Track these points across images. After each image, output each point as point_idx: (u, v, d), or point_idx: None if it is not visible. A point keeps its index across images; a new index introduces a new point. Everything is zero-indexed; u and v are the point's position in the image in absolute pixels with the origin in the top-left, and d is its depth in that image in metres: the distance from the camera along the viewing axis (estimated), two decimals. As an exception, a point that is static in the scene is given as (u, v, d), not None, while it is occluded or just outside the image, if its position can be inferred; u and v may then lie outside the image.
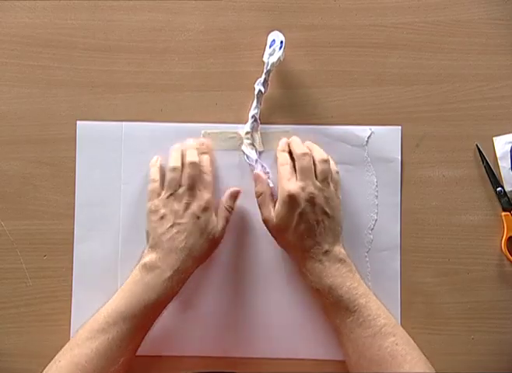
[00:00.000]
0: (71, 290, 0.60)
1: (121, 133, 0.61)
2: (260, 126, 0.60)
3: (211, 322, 0.60)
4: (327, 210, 0.55)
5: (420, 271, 0.61)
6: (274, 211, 0.56)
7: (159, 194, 0.57)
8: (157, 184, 0.57)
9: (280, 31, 0.60)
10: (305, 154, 0.55)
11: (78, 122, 0.61)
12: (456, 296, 0.61)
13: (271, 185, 0.58)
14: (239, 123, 0.61)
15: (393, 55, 0.62)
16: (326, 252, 0.54)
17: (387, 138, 0.61)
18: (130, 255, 0.60)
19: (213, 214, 0.56)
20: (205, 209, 0.55)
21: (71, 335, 0.59)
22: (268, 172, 0.60)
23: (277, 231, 0.56)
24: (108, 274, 0.60)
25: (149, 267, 0.53)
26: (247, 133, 0.60)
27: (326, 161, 0.56)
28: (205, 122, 0.61)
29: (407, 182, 0.61)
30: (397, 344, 0.51)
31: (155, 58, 0.62)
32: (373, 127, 0.61)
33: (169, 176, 0.56)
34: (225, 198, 0.58)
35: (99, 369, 0.50)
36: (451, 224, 0.61)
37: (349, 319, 0.52)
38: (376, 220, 0.61)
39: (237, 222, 0.61)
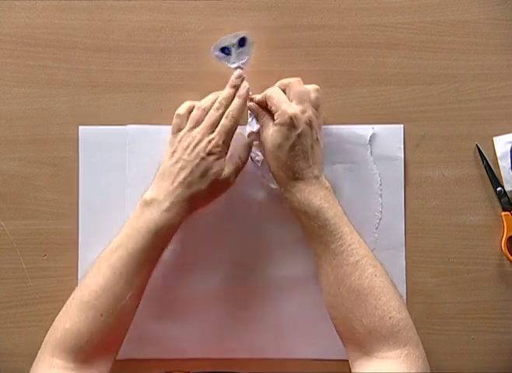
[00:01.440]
0: (72, 290, 0.60)
1: (126, 136, 0.61)
2: None
3: (212, 323, 0.60)
4: (318, 137, 0.55)
5: (420, 271, 0.61)
6: (272, 131, 0.55)
7: (180, 129, 0.57)
8: (179, 120, 0.57)
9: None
10: (298, 80, 0.56)
11: (80, 127, 0.61)
12: (456, 296, 0.61)
13: (275, 187, 0.58)
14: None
15: (393, 55, 0.62)
16: (315, 177, 0.54)
17: (389, 137, 0.61)
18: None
19: (220, 161, 0.55)
20: (211, 153, 0.55)
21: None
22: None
23: (272, 151, 0.55)
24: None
25: (149, 201, 0.54)
26: (251, 133, 0.59)
27: (317, 89, 0.57)
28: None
29: (407, 182, 0.61)
30: (376, 276, 0.51)
31: (155, 58, 0.62)
32: (376, 126, 0.61)
33: (193, 112, 0.57)
34: (242, 148, 0.58)
35: (107, 305, 0.50)
36: (451, 224, 0.61)
37: (333, 245, 0.52)
38: (380, 219, 0.61)
39: (240, 220, 0.61)
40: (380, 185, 0.61)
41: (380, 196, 0.61)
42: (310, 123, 0.54)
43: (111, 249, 0.53)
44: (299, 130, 0.53)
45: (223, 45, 0.59)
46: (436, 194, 0.61)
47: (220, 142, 0.55)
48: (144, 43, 0.62)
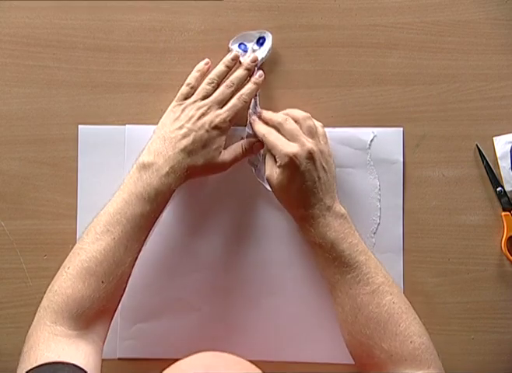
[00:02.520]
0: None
1: (124, 136, 0.61)
2: None
3: (216, 324, 0.60)
4: (324, 165, 0.55)
5: (420, 271, 0.61)
6: (276, 173, 0.55)
7: (186, 98, 0.57)
8: (188, 88, 0.58)
9: (269, 31, 0.60)
10: (286, 119, 0.56)
11: (79, 126, 0.61)
12: (456, 296, 0.61)
13: (268, 188, 0.58)
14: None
15: (393, 55, 0.62)
16: (328, 208, 0.54)
17: (389, 140, 0.61)
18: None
19: (222, 138, 0.56)
20: (216, 127, 0.55)
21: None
22: None
23: (280, 191, 0.56)
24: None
25: (147, 166, 0.53)
26: (249, 135, 0.59)
27: (308, 117, 0.56)
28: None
29: (407, 182, 0.61)
30: (394, 303, 0.51)
31: (155, 58, 0.62)
32: (376, 130, 0.61)
33: (203, 85, 0.57)
34: (246, 141, 0.58)
35: (108, 272, 0.50)
36: (451, 224, 0.61)
37: (349, 275, 0.52)
38: (378, 223, 0.61)
39: (243, 218, 0.61)
40: (379, 190, 0.61)
41: (379, 200, 0.61)
42: (311, 157, 0.54)
43: (109, 214, 0.52)
44: (302, 168, 0.53)
45: (242, 40, 0.60)
46: (436, 194, 0.61)
47: (228, 119, 0.56)
48: (144, 43, 0.62)
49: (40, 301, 0.60)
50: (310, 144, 0.54)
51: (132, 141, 0.61)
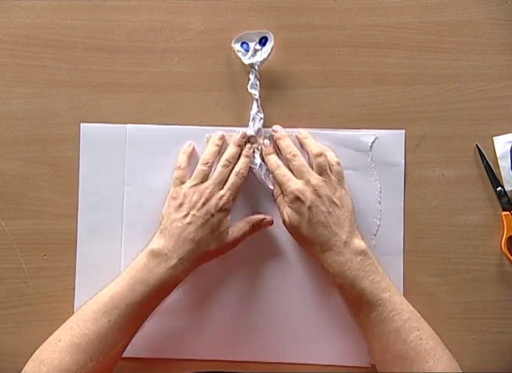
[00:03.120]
0: (72, 290, 0.60)
1: (125, 135, 0.61)
2: (263, 130, 0.60)
3: (221, 324, 0.60)
4: (335, 200, 0.55)
5: (420, 271, 0.61)
6: (286, 213, 0.56)
7: (182, 182, 0.57)
8: (182, 172, 0.58)
9: (270, 31, 0.60)
10: (294, 155, 0.57)
11: (82, 124, 0.61)
12: (456, 296, 0.61)
13: (271, 187, 0.59)
14: (239, 123, 0.61)
15: (393, 55, 0.62)
16: (346, 244, 0.54)
17: (390, 142, 0.61)
18: (133, 257, 0.60)
19: (228, 218, 0.56)
20: (221, 209, 0.55)
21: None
22: (271, 174, 0.59)
23: (293, 229, 0.56)
24: (111, 277, 0.60)
25: (155, 254, 0.53)
26: (251, 136, 0.60)
27: (320, 154, 0.57)
28: (205, 122, 0.61)
29: (407, 182, 0.61)
30: (421, 339, 0.50)
31: (155, 58, 0.62)
32: (377, 132, 0.61)
33: (199, 167, 0.57)
34: (254, 218, 0.58)
35: (99, 352, 0.50)
36: (451, 224, 0.61)
37: (373, 314, 0.52)
38: (379, 225, 0.60)
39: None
40: (380, 192, 0.61)
41: (379, 203, 0.61)
42: (317, 192, 0.54)
43: (109, 295, 0.52)
44: (308, 203, 0.54)
45: (244, 39, 0.60)
46: (436, 194, 0.61)
47: (231, 198, 0.56)
48: (144, 43, 0.62)
49: (40, 302, 0.61)
50: (315, 180, 0.55)
51: (133, 141, 0.61)
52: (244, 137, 0.59)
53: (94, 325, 0.50)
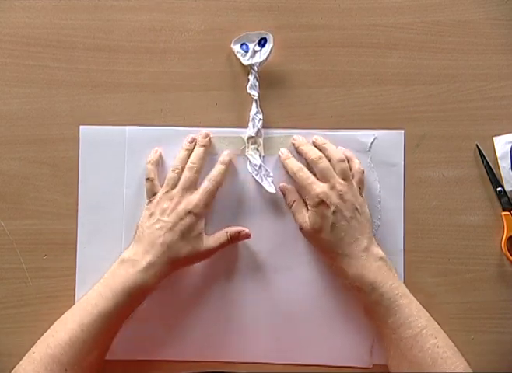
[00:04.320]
0: (72, 290, 0.60)
1: (125, 137, 0.61)
2: (263, 130, 0.60)
3: (212, 326, 0.60)
4: (358, 206, 0.55)
5: (420, 271, 0.61)
6: (307, 217, 0.56)
7: (154, 192, 0.57)
8: (151, 183, 0.58)
9: (270, 31, 0.60)
10: (320, 157, 0.56)
11: (81, 126, 0.61)
12: (456, 296, 0.61)
13: (273, 191, 0.58)
14: (239, 123, 0.61)
15: (393, 55, 0.62)
16: (366, 249, 0.54)
17: (390, 142, 0.61)
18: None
19: (200, 223, 0.56)
20: (190, 212, 0.55)
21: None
22: (271, 177, 0.60)
23: (313, 234, 0.56)
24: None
25: (126, 260, 0.54)
26: (250, 137, 0.60)
27: (343, 160, 0.57)
28: (205, 122, 0.61)
29: (407, 182, 0.61)
30: (438, 347, 0.50)
31: (155, 58, 0.62)
32: (376, 132, 0.61)
33: (169, 174, 0.57)
34: (233, 229, 0.58)
35: (73, 360, 0.50)
36: (451, 224, 0.61)
37: (390, 320, 0.52)
38: (379, 225, 0.60)
39: (242, 223, 0.60)
40: (380, 192, 0.61)
41: (379, 203, 0.61)
42: (342, 197, 0.54)
43: (83, 307, 0.53)
44: (333, 207, 0.54)
45: (243, 40, 0.60)
46: (436, 194, 0.61)
47: (201, 203, 0.55)
48: (144, 43, 0.62)
49: (40, 302, 0.61)
50: (341, 185, 0.55)
51: (133, 143, 0.61)
52: (207, 137, 0.59)
53: (67, 335, 0.51)
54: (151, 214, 0.56)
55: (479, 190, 0.61)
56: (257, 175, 0.59)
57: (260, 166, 0.59)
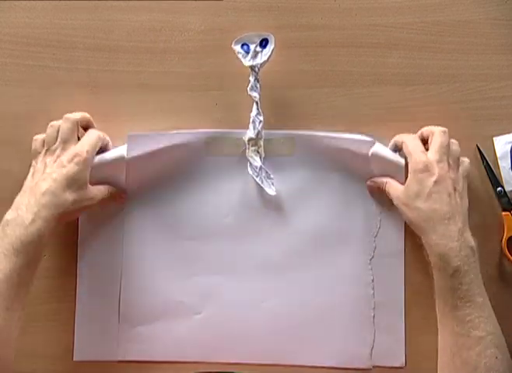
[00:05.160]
0: (73, 290, 0.60)
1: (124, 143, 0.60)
2: (263, 132, 0.60)
3: (217, 327, 0.60)
4: (458, 188, 0.53)
5: (420, 271, 0.61)
6: (404, 185, 0.54)
7: (38, 152, 0.56)
8: (36, 143, 0.56)
9: (270, 31, 0.60)
10: (444, 131, 0.55)
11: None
12: (456, 296, 0.61)
13: (273, 193, 0.58)
14: (239, 123, 0.61)
15: (393, 55, 0.62)
16: (459, 231, 0.51)
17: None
18: (134, 256, 0.60)
19: (85, 170, 0.53)
20: (72, 159, 0.53)
21: (71, 334, 0.59)
22: (271, 179, 0.59)
23: (408, 202, 0.53)
24: (111, 276, 0.60)
25: (10, 220, 0.51)
26: (251, 139, 0.59)
27: (456, 144, 0.56)
28: (205, 122, 0.61)
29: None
30: (496, 358, 0.49)
31: (155, 58, 0.62)
32: (377, 137, 0.59)
33: (46, 132, 0.56)
34: (115, 190, 0.58)
35: None
36: (451, 224, 0.61)
37: (460, 312, 0.50)
38: (379, 227, 0.60)
39: (245, 221, 0.60)
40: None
41: (380, 203, 0.60)
42: (445, 173, 0.52)
43: None
44: (435, 176, 0.52)
45: (244, 41, 0.59)
46: (436, 194, 0.61)
47: (84, 151, 0.54)
48: (144, 43, 0.62)
49: (40, 302, 0.61)
50: (447, 163, 0.53)
51: (133, 149, 0.58)
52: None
53: None
54: (34, 173, 0.54)
55: (479, 190, 0.61)
56: (257, 177, 0.59)
57: (260, 168, 0.59)
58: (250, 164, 0.59)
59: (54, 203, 0.51)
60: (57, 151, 0.54)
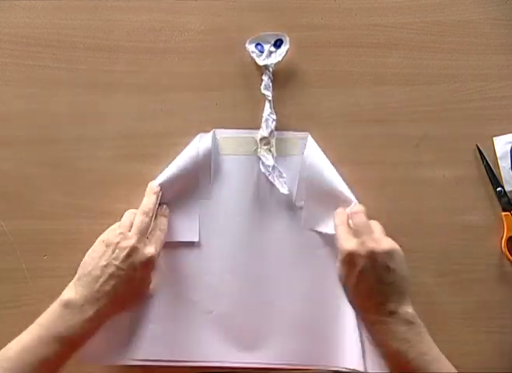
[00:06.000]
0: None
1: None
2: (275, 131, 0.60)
3: (229, 327, 0.59)
4: (391, 265, 0.52)
5: (420, 271, 0.61)
6: (337, 268, 0.55)
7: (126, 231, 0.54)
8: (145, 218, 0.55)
9: (279, 31, 0.60)
10: (359, 211, 0.55)
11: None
12: (456, 296, 0.61)
13: (286, 192, 0.58)
14: (239, 123, 0.61)
15: (393, 55, 0.62)
16: (391, 313, 0.51)
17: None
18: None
19: (151, 274, 0.54)
20: (145, 265, 0.53)
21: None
22: (283, 178, 0.59)
23: (342, 285, 0.56)
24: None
25: (70, 305, 0.51)
26: (263, 138, 0.59)
27: (361, 214, 0.55)
28: (205, 122, 0.61)
29: (407, 182, 0.61)
30: None
31: (155, 58, 0.62)
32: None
33: (123, 219, 0.55)
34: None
35: None
36: (451, 224, 0.61)
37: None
38: None
39: (256, 221, 0.60)
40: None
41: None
42: (371, 256, 0.51)
43: (17, 351, 0.49)
44: (359, 267, 0.52)
45: (258, 41, 0.60)
46: (436, 194, 0.61)
47: (155, 255, 0.53)
48: (144, 43, 0.62)
49: (40, 302, 0.60)
50: (371, 242, 0.52)
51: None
52: (159, 191, 0.57)
53: None
54: (102, 255, 0.52)
55: (479, 190, 0.61)
56: (269, 175, 0.59)
57: (273, 167, 0.59)
58: (263, 163, 0.59)
59: (115, 304, 0.52)
60: (132, 243, 0.52)
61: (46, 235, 0.61)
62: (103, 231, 0.56)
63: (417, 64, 0.62)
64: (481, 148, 0.61)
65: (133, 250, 0.52)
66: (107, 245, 0.53)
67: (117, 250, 0.52)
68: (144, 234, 0.54)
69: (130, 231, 0.54)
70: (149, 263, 0.53)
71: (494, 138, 0.61)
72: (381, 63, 0.62)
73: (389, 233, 0.56)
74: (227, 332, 0.59)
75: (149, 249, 0.53)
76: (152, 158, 0.61)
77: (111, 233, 0.54)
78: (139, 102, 0.62)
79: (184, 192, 0.59)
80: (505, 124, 0.61)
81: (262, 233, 0.60)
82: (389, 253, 0.52)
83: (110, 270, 0.51)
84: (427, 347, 0.50)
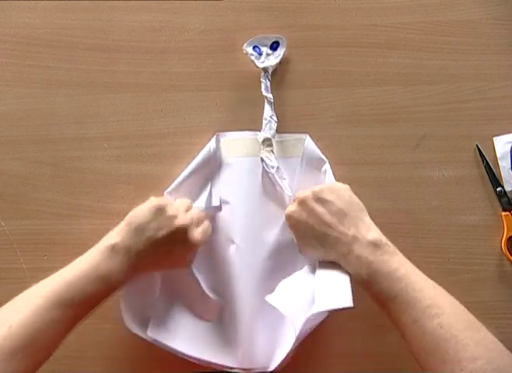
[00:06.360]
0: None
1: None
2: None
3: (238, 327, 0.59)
4: (328, 197, 0.52)
5: (420, 271, 0.61)
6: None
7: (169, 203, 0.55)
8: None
9: (270, 32, 0.60)
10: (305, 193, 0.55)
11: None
12: (456, 296, 0.60)
13: (289, 193, 0.58)
14: (239, 123, 0.61)
15: (393, 55, 0.62)
16: (354, 239, 0.50)
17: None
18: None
19: (190, 255, 0.56)
20: (188, 248, 0.54)
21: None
22: (285, 179, 0.59)
23: (304, 249, 0.56)
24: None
25: (116, 248, 0.51)
26: (266, 139, 0.59)
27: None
28: (205, 122, 0.61)
29: (407, 182, 0.61)
30: (441, 327, 0.45)
31: (155, 58, 0.62)
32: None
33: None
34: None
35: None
36: (451, 224, 0.61)
37: (393, 308, 0.48)
38: None
39: (254, 229, 0.60)
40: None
41: None
42: (303, 203, 0.53)
43: (66, 284, 0.50)
44: (302, 219, 0.53)
45: (256, 43, 0.60)
46: (436, 194, 0.61)
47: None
48: (144, 43, 0.62)
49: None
50: (310, 202, 0.53)
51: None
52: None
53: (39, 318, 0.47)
54: (156, 217, 0.52)
55: (479, 190, 0.61)
56: (274, 176, 0.59)
57: (277, 168, 0.59)
58: (266, 164, 0.59)
59: (156, 258, 0.53)
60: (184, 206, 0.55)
61: (46, 235, 0.61)
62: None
63: (417, 64, 0.62)
64: (481, 148, 0.61)
65: (183, 229, 0.53)
66: (163, 212, 0.52)
67: (170, 222, 0.52)
68: (195, 223, 0.55)
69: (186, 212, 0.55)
70: (193, 247, 0.54)
71: (494, 138, 0.61)
72: (381, 63, 0.62)
73: (389, 233, 0.56)
74: (236, 333, 0.59)
75: (198, 235, 0.54)
76: (152, 158, 0.61)
77: (170, 204, 0.54)
78: (139, 102, 0.62)
79: (192, 196, 0.60)
80: (505, 124, 0.61)
81: (267, 234, 0.60)
82: (319, 191, 0.53)
83: (166, 230, 0.52)
84: (396, 264, 0.49)
